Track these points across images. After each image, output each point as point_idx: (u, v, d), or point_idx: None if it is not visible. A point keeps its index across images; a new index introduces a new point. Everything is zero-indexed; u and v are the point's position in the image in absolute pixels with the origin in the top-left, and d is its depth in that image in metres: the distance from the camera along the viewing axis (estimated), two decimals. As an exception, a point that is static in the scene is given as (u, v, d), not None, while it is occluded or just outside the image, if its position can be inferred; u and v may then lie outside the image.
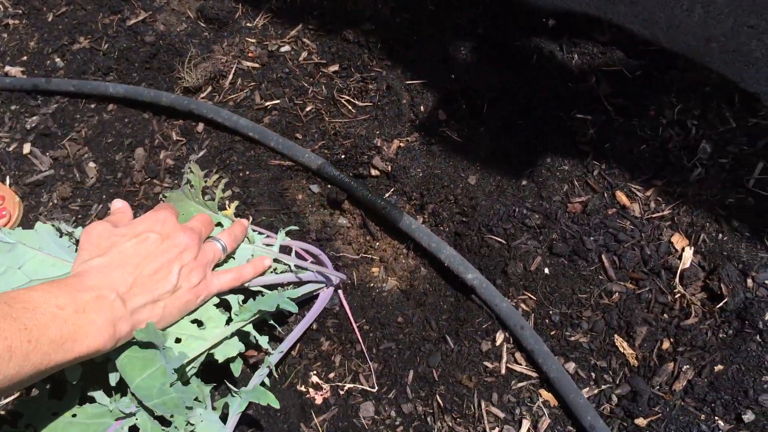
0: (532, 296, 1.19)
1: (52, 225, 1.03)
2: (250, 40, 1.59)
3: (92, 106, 1.56)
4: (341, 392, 1.18)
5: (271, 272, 1.13)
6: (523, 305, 1.19)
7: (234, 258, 1.11)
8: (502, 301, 1.17)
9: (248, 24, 1.59)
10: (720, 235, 1.15)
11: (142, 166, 1.46)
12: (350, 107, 1.45)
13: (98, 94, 1.56)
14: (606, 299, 1.16)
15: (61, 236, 1.02)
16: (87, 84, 1.56)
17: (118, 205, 1.06)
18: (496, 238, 1.25)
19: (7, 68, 1.64)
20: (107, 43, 1.64)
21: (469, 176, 1.33)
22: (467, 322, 1.19)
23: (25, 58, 1.65)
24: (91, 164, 1.48)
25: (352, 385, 1.18)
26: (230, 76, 1.54)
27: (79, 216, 1.42)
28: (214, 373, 1.03)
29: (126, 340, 0.86)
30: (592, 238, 1.21)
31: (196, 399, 0.94)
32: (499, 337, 1.16)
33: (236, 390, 1.00)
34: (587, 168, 1.28)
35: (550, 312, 1.17)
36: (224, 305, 1.04)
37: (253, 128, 1.43)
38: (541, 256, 1.21)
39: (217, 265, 1.06)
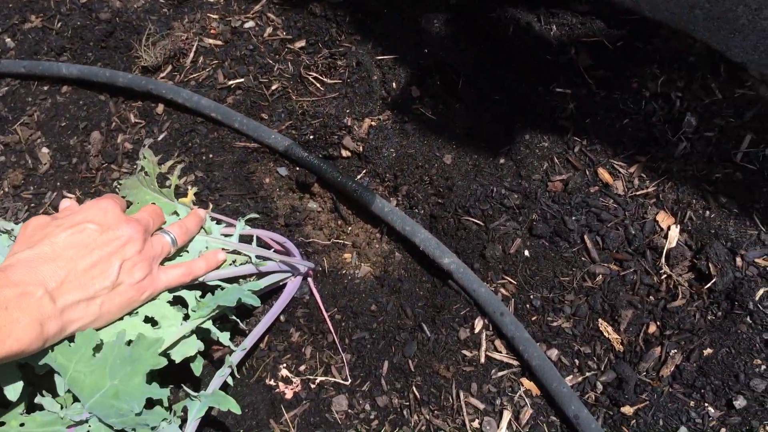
0: (511, 280, 1.13)
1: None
2: (212, 15, 1.50)
3: (45, 88, 1.47)
4: (312, 386, 1.11)
5: (231, 264, 1.06)
6: (502, 290, 1.13)
7: (188, 251, 1.04)
8: (481, 286, 1.11)
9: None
10: (707, 212, 1.10)
11: (99, 151, 1.37)
12: (318, 85, 1.37)
13: (51, 76, 1.47)
14: (589, 282, 1.10)
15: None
16: (39, 65, 1.47)
17: (66, 204, 0.98)
18: (474, 219, 1.19)
19: (-46, 50, 1.54)
20: (60, 22, 1.54)
21: (445, 155, 1.26)
22: (444, 309, 1.13)
23: (-29, 38, 1.55)
24: (44, 150, 1.39)
25: (323, 378, 1.11)
26: (191, 54, 1.45)
27: (32, 205, 1.34)
28: (173, 374, 0.96)
29: (56, 339, 0.78)
30: (573, 218, 1.15)
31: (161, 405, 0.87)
32: (478, 324, 1.10)
33: (195, 394, 0.93)
34: (568, 144, 1.22)
35: (531, 296, 1.11)
36: (181, 302, 0.97)
37: (215, 109, 1.35)
38: (520, 238, 1.15)
39: (168, 259, 0.99)
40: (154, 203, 1.07)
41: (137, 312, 0.92)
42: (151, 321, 0.92)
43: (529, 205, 1.17)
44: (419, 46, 1.37)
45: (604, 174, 1.18)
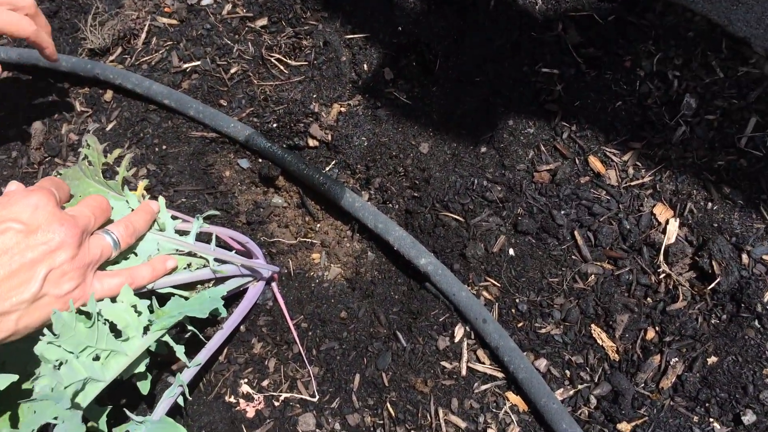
0: (495, 282, 1.02)
1: None
2: (165, -8, 1.37)
3: (-19, 74, 1.34)
4: (276, 403, 1.00)
5: (185, 268, 0.95)
6: (485, 293, 1.02)
7: (136, 254, 0.92)
8: (461, 289, 1.00)
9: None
10: (709, 204, 0.99)
11: (41, 143, 1.24)
12: (282, 67, 1.25)
13: (-12, 61, 1.33)
14: (581, 283, 1.00)
15: None
16: (-26, 48, 1.33)
17: (11, 188, 0.85)
18: (453, 215, 1.08)
19: None
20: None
21: (421, 144, 1.15)
22: (421, 315, 1.02)
23: None
24: (-19, 143, 1.26)
25: (289, 395, 1.01)
26: (143, 35, 1.32)
27: (-33, 205, 1.21)
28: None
29: None
30: (562, 212, 1.04)
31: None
32: (459, 331, 1.00)
33: (138, 419, 0.82)
34: (555, 130, 1.11)
35: (517, 300, 1.01)
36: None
37: (169, 95, 1.22)
38: (504, 234, 1.04)
39: (111, 263, 0.87)
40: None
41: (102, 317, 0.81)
42: (115, 331, 0.81)
43: (514, 199, 1.07)
44: (392, 23, 1.25)
45: (595, 163, 1.07)
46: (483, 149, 1.12)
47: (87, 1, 1.38)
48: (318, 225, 1.18)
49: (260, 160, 1.20)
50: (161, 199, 0.98)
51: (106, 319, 0.82)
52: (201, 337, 0.92)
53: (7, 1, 1.06)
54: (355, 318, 1.05)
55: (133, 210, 0.96)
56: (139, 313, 0.85)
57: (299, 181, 1.18)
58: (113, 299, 0.86)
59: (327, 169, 1.17)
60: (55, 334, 0.75)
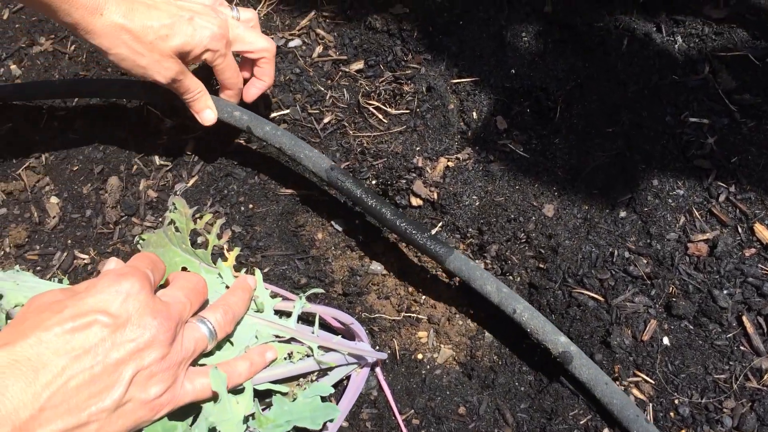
0: (647, 378, 0.85)
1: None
2: (249, 33, 1.25)
3: (55, 124, 1.24)
4: None
5: (286, 359, 0.81)
6: (635, 391, 0.85)
7: (231, 343, 0.79)
8: (607, 384, 0.83)
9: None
10: None
11: (117, 201, 1.14)
12: (381, 116, 1.11)
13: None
14: (754, 381, 0.82)
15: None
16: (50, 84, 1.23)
17: (110, 266, 0.74)
18: (590, 293, 0.91)
19: (-46, 79, 1.32)
20: (74, 44, 1.31)
21: (545, 205, 0.99)
22: (557, 416, 0.86)
23: (-27, 66, 1.33)
24: (53, 199, 1.16)
25: (400, 507, 0.86)
26: (226, 80, 1.21)
27: (38, 268, 1.10)
28: None
29: None
30: (725, 292, 0.87)
31: None
32: (606, 439, 0.83)
33: None
34: (709, 192, 0.94)
35: (676, 401, 0.83)
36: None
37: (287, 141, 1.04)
38: (655, 319, 0.87)
39: (204, 354, 0.75)
40: (185, 268, 0.84)
41: None
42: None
43: (664, 275, 0.90)
44: (504, 65, 1.10)
45: (762, 232, 0.89)
46: (622, 213, 0.95)
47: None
48: (423, 297, 1.03)
49: (356, 222, 1.07)
50: (258, 274, 0.85)
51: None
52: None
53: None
54: (475, 415, 0.89)
55: (227, 287, 0.84)
56: (245, 420, 0.72)
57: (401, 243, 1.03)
58: (206, 400, 0.73)
59: (434, 231, 1.02)
60: None
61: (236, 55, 1.03)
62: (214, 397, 0.72)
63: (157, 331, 0.65)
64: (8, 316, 0.75)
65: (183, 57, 0.93)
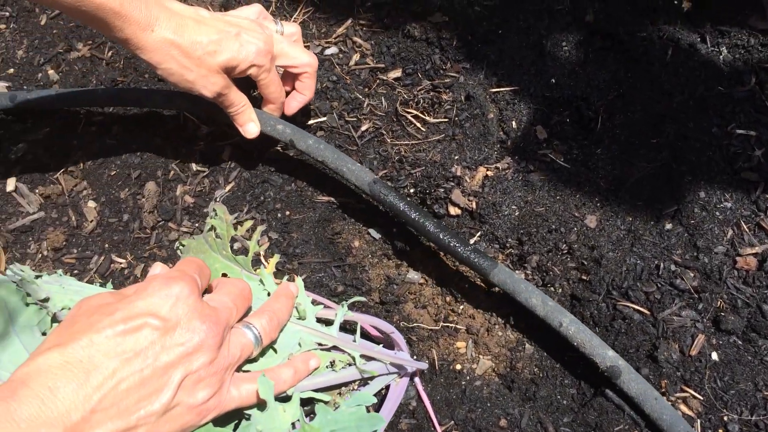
0: (696, 394, 0.83)
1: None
2: (286, 40, 1.26)
3: (93, 128, 1.25)
4: None
5: (327, 367, 0.80)
6: (683, 407, 0.83)
7: (275, 350, 0.78)
8: (656, 400, 0.81)
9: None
10: None
11: (154, 206, 1.14)
12: (419, 125, 1.11)
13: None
14: (807, 399, 0.80)
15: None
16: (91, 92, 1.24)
17: (156, 270, 0.74)
18: (635, 306, 0.90)
19: (-8, 83, 1.34)
20: (111, 50, 1.32)
21: (587, 216, 0.98)
22: (601, 431, 0.84)
23: (11, 70, 1.34)
24: (91, 203, 1.16)
25: None
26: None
27: (75, 272, 1.11)
28: None
29: None
30: (775, 307, 0.85)
31: None
32: (654, 456, 0.81)
33: None
34: (757, 205, 0.92)
35: (725, 418, 0.81)
36: None
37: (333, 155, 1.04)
38: (703, 333, 0.86)
39: (249, 360, 0.74)
40: (225, 274, 0.84)
41: None
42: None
43: (712, 288, 0.88)
44: (544, 74, 1.09)
45: (813, 246, 0.88)
46: (668, 226, 0.94)
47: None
48: (461, 306, 1.02)
49: (394, 230, 1.06)
50: (299, 281, 0.85)
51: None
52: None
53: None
54: (517, 428, 0.88)
55: (269, 294, 0.83)
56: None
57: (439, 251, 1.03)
58: (250, 407, 0.72)
59: (472, 241, 1.01)
60: None
61: (278, 68, 1.03)
62: (259, 404, 0.71)
63: (206, 336, 0.65)
64: (54, 319, 0.75)
65: (229, 72, 0.94)
